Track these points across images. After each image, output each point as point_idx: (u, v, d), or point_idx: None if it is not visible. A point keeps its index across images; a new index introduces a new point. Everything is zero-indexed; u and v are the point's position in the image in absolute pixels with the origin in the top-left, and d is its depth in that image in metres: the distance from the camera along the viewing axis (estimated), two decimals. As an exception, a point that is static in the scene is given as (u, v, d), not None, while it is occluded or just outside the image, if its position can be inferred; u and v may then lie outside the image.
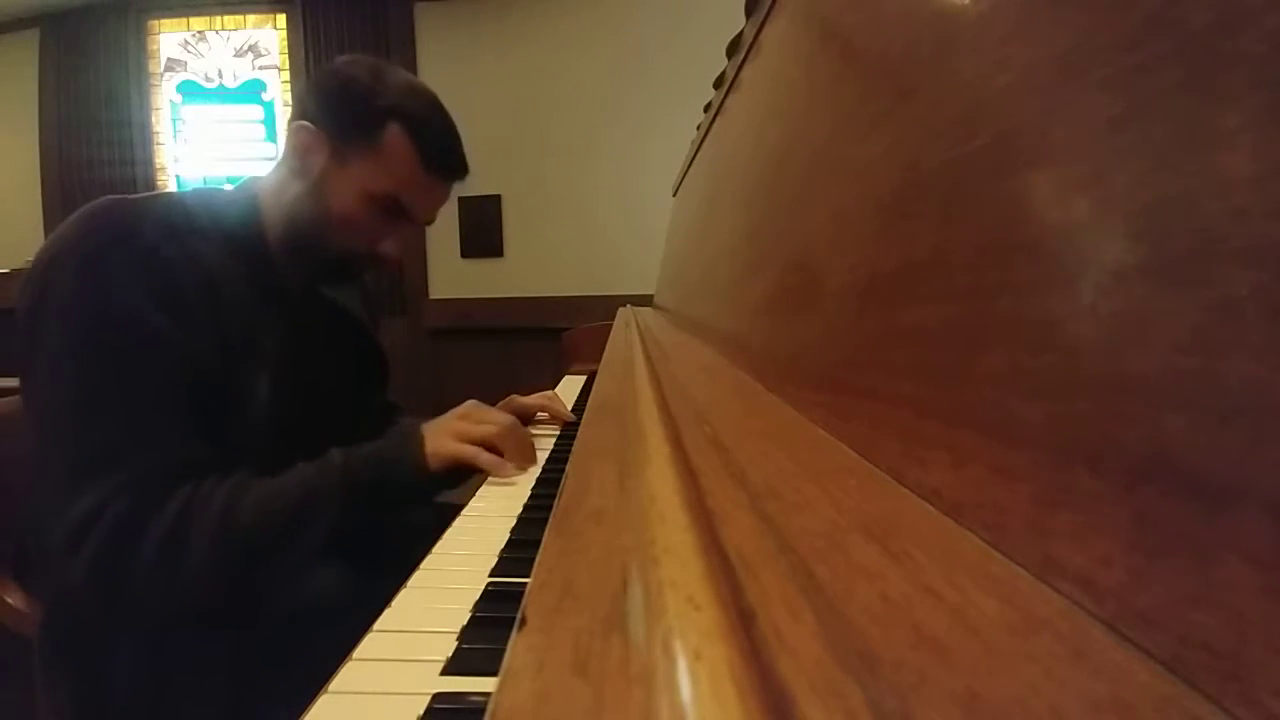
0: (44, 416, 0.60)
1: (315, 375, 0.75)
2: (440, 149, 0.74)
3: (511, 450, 0.72)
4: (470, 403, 0.76)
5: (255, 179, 0.77)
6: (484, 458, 0.69)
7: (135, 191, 3.16)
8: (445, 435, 0.69)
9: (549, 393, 1.04)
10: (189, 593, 0.58)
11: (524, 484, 0.70)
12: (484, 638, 0.40)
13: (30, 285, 0.60)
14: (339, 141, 0.71)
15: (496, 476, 0.69)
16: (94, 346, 0.58)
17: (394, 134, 0.70)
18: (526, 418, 0.99)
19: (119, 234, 0.61)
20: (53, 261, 0.60)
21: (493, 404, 0.97)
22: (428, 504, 0.71)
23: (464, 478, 0.70)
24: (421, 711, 0.33)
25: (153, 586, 0.56)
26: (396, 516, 0.68)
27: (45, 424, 0.59)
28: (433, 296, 3.08)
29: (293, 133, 0.71)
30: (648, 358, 0.83)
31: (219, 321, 0.65)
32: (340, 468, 0.64)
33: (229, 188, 0.77)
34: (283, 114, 3.21)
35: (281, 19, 3.14)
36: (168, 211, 0.66)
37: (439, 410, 0.74)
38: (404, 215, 0.74)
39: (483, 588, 0.47)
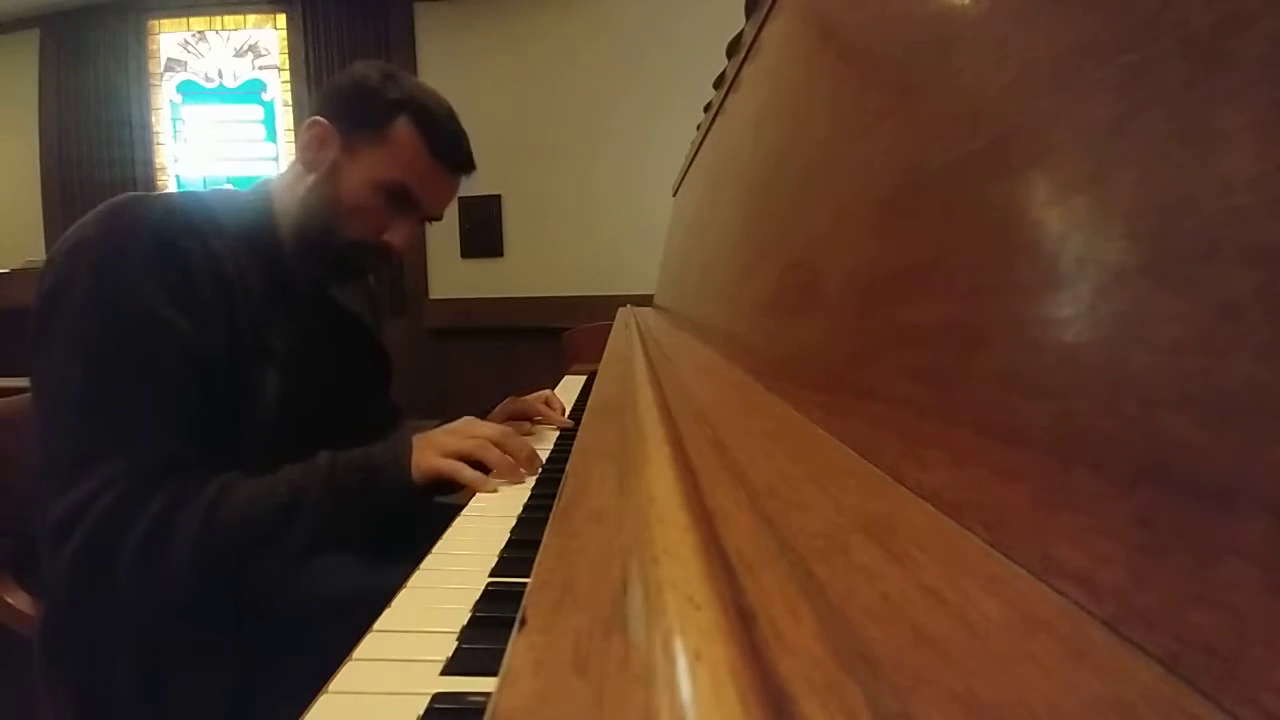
0: (50, 405, 0.60)
1: (323, 376, 0.76)
2: (447, 140, 0.77)
3: (498, 464, 0.69)
4: (465, 419, 0.75)
5: (269, 180, 0.79)
6: (466, 474, 0.67)
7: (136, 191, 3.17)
8: (432, 449, 0.68)
9: (546, 392, 1.04)
10: (170, 588, 0.58)
11: (524, 484, 0.70)
12: (484, 638, 0.40)
13: (47, 273, 0.61)
14: (350, 133, 0.73)
15: (481, 491, 0.67)
16: (105, 339, 0.59)
17: (402, 125, 0.73)
18: (525, 419, 0.99)
19: (139, 229, 0.63)
20: (72, 252, 0.61)
21: (493, 404, 0.98)
22: (429, 505, 0.70)
23: (458, 486, 0.69)
24: (421, 711, 0.33)
25: (134, 580, 0.56)
26: (387, 520, 0.67)
27: (50, 413, 0.60)
28: (433, 296, 3.08)
29: (305, 128, 0.74)
30: (648, 358, 0.83)
31: (232, 319, 0.66)
32: (325, 471, 0.64)
33: (237, 189, 0.79)
34: (282, 114, 3.21)
35: (281, 19, 3.14)
36: (187, 208, 0.67)
37: (439, 409, 0.74)
38: (412, 205, 0.76)
39: (483, 588, 0.47)
